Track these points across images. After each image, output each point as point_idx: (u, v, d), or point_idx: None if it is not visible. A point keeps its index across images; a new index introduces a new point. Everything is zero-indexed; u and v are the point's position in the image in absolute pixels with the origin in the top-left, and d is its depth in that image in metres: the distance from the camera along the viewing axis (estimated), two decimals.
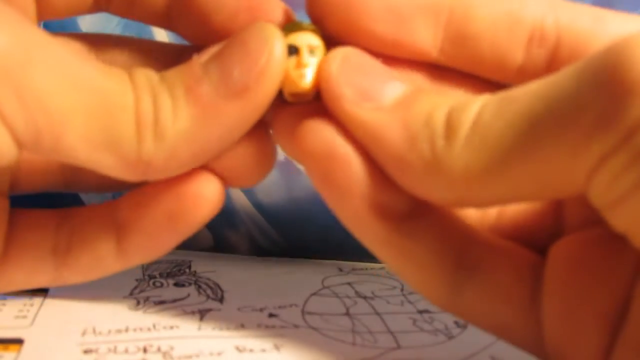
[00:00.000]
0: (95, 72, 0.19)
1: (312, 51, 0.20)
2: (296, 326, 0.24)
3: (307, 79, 0.19)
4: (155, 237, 0.22)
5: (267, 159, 0.21)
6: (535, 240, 0.21)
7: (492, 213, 0.21)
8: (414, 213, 0.19)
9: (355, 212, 0.19)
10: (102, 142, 0.18)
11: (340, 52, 0.19)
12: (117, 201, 0.23)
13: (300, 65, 0.19)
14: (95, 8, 0.22)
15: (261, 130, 0.21)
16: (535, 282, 0.19)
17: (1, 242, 0.23)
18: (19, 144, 0.18)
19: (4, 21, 0.18)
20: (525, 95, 0.17)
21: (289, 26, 0.20)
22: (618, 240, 0.17)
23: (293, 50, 0.20)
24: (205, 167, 0.21)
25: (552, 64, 0.20)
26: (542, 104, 0.16)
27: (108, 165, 0.19)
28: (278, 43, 0.19)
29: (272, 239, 0.32)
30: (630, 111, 0.15)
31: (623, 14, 0.19)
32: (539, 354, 0.20)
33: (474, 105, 0.17)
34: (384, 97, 0.19)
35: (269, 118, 0.21)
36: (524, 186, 0.17)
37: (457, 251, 0.19)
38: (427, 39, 0.20)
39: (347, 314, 0.26)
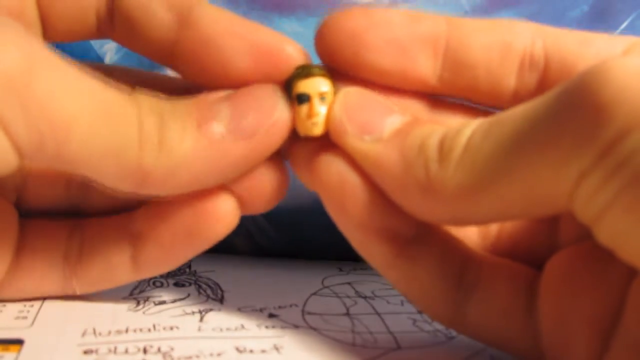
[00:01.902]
0: (98, 84, 0.19)
1: (322, 98, 0.21)
2: (296, 326, 0.24)
3: (319, 126, 0.21)
4: (171, 250, 0.23)
5: (281, 187, 0.22)
6: (533, 256, 0.22)
7: (492, 232, 0.23)
8: (417, 238, 0.21)
9: (364, 237, 0.21)
10: (103, 149, 0.19)
11: (343, 94, 0.21)
12: (133, 213, 0.23)
13: (312, 115, 0.21)
14: (99, 34, 0.23)
15: (277, 160, 0.22)
16: (531, 295, 0.20)
17: (11, 251, 0.23)
18: (21, 151, 0.18)
19: (10, 33, 0.18)
20: (512, 117, 0.18)
21: (301, 71, 0.21)
22: (607, 251, 0.18)
23: (305, 98, 0.21)
24: (224, 187, 0.22)
25: (542, 87, 0.21)
26: (527, 125, 0.17)
27: (108, 173, 0.19)
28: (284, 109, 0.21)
29: (272, 239, 0.32)
30: (604, 130, 0.16)
31: (607, 35, 0.21)
32: None
33: (466, 130, 0.19)
34: (384, 130, 0.20)
35: (284, 149, 0.22)
36: (512, 203, 0.18)
37: (458, 272, 0.21)
38: (427, 68, 0.21)
39: (347, 314, 0.26)
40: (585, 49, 0.20)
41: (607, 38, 0.20)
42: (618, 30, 0.33)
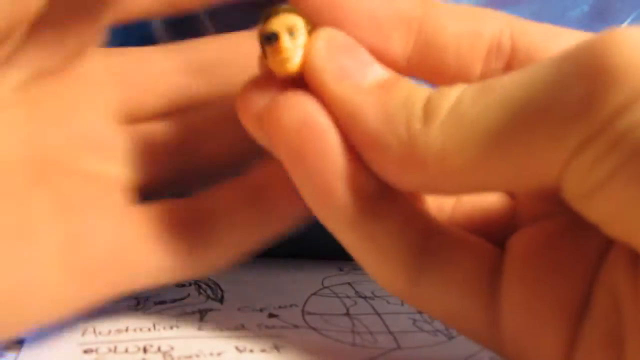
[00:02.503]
0: None
1: (291, 33, 0.19)
2: (296, 326, 0.24)
3: (291, 62, 0.19)
4: None
5: None
6: (490, 235, 0.21)
7: (447, 207, 0.22)
8: (381, 195, 0.19)
9: (325, 188, 0.19)
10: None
11: (327, 32, 0.20)
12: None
13: (280, 51, 0.19)
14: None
15: None
16: (494, 274, 0.20)
17: None
18: None
19: None
20: (505, 83, 0.17)
21: (267, 12, 0.20)
22: (577, 232, 0.18)
23: (273, 37, 0.19)
24: None
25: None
26: (521, 91, 0.17)
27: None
28: None
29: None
30: (610, 98, 0.15)
31: (574, 30, 0.20)
32: (495, 347, 0.20)
33: (452, 92, 0.18)
34: (365, 78, 0.19)
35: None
36: (497, 173, 0.17)
37: (419, 237, 0.20)
38: (399, 47, 0.20)
39: (347, 314, 0.26)
40: (550, 42, 0.20)
41: (574, 33, 0.20)
42: None
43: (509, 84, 0.17)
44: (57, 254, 0.20)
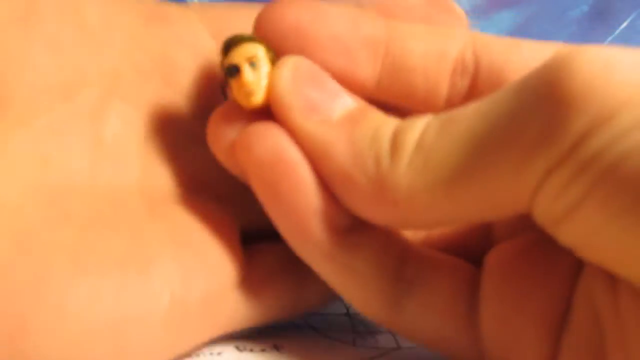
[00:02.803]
0: None
1: (252, 64, 0.19)
2: (296, 326, 0.24)
3: (255, 95, 0.19)
4: None
5: None
6: (467, 252, 0.21)
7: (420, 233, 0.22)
8: (356, 226, 0.19)
9: (300, 224, 0.19)
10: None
11: (291, 61, 0.19)
12: None
13: (242, 85, 0.19)
14: None
15: None
16: (472, 292, 0.20)
17: None
18: None
19: None
20: (466, 114, 0.17)
21: (227, 42, 0.20)
22: (553, 246, 0.18)
23: (234, 70, 0.19)
24: None
25: (472, 93, 0.20)
26: (483, 123, 0.17)
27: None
28: None
29: None
30: (571, 124, 0.15)
31: (536, 42, 0.20)
32: None
33: (418, 125, 0.18)
34: (333, 111, 0.19)
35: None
36: (467, 206, 0.17)
37: (397, 265, 0.20)
38: (367, 71, 0.20)
39: (347, 314, 0.26)
40: (512, 54, 0.20)
41: (535, 44, 0.20)
42: (618, 30, 0.33)
43: (471, 115, 0.17)
44: (169, 289, 0.19)
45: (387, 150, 0.18)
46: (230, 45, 0.20)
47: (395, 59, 0.20)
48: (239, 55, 0.19)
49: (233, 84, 0.19)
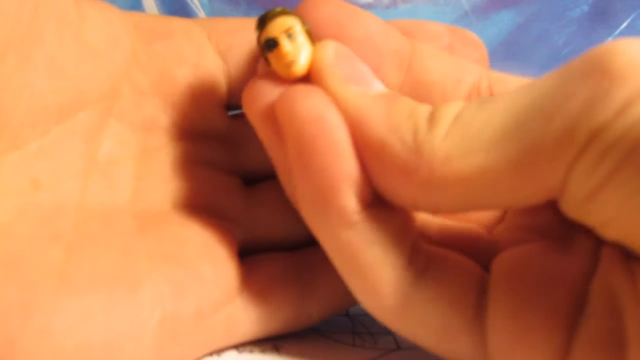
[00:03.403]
0: None
1: (289, 35, 0.20)
2: None
3: (297, 66, 0.20)
4: None
5: None
6: (472, 258, 0.21)
7: (429, 233, 0.22)
8: (378, 204, 0.19)
9: (330, 185, 0.19)
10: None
11: (334, 42, 0.20)
12: None
13: (283, 56, 0.19)
14: None
15: None
16: (480, 290, 0.19)
17: None
18: None
19: None
20: (507, 94, 0.18)
21: (262, 18, 0.20)
22: (561, 247, 0.18)
23: (272, 43, 0.20)
24: None
25: None
26: (526, 99, 0.17)
27: None
28: None
29: None
30: (616, 92, 0.16)
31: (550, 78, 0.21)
32: None
33: (456, 104, 0.18)
34: (371, 88, 0.19)
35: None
36: (501, 182, 0.17)
37: (410, 249, 0.19)
38: (392, 78, 0.21)
39: (347, 314, 0.26)
40: None
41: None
42: (618, 30, 0.33)
43: (513, 93, 0.18)
44: (160, 305, 0.19)
45: (424, 122, 0.18)
46: (265, 19, 0.20)
47: (416, 74, 0.21)
48: (275, 29, 0.20)
49: (271, 57, 0.20)
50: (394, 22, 0.22)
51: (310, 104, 0.19)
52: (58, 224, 0.19)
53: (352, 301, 0.21)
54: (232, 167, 0.23)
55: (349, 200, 0.19)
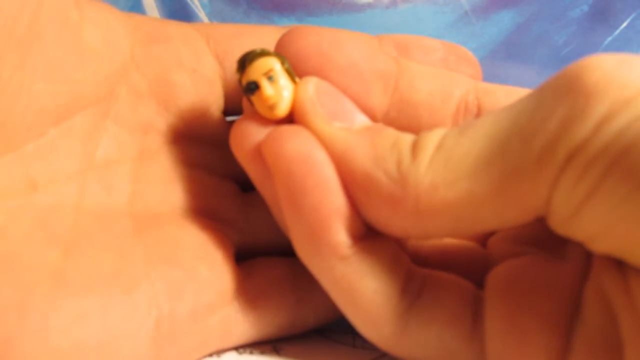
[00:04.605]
0: None
1: (269, 77, 0.20)
2: None
3: (279, 107, 0.20)
4: None
5: None
6: (464, 277, 0.21)
7: (421, 254, 0.22)
8: (369, 236, 0.20)
9: (320, 221, 0.19)
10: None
11: (314, 79, 0.20)
12: None
13: (265, 100, 0.20)
14: None
15: None
16: (475, 307, 0.20)
17: None
18: None
19: None
20: (485, 119, 0.18)
21: (242, 60, 0.20)
22: (552, 258, 0.19)
23: (254, 86, 0.20)
24: None
25: None
26: (505, 122, 0.17)
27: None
28: None
29: None
30: (592, 110, 0.16)
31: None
32: None
33: (437, 132, 0.19)
34: (353, 123, 0.20)
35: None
36: (487, 205, 0.18)
37: (403, 277, 0.20)
38: (378, 101, 0.21)
39: None
40: (512, 99, 0.20)
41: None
42: (618, 30, 0.33)
43: (493, 117, 0.18)
44: (156, 306, 0.19)
45: (408, 153, 0.19)
46: (245, 62, 0.20)
47: (403, 95, 0.21)
48: (255, 72, 0.20)
49: (254, 99, 0.20)
50: (389, 37, 0.23)
51: (296, 145, 0.19)
52: (55, 224, 0.19)
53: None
54: (228, 171, 0.23)
55: (340, 235, 0.19)
